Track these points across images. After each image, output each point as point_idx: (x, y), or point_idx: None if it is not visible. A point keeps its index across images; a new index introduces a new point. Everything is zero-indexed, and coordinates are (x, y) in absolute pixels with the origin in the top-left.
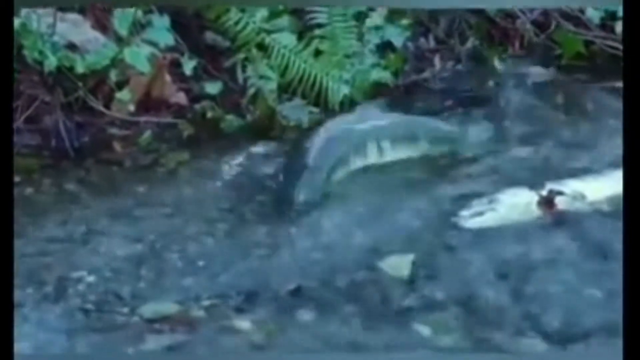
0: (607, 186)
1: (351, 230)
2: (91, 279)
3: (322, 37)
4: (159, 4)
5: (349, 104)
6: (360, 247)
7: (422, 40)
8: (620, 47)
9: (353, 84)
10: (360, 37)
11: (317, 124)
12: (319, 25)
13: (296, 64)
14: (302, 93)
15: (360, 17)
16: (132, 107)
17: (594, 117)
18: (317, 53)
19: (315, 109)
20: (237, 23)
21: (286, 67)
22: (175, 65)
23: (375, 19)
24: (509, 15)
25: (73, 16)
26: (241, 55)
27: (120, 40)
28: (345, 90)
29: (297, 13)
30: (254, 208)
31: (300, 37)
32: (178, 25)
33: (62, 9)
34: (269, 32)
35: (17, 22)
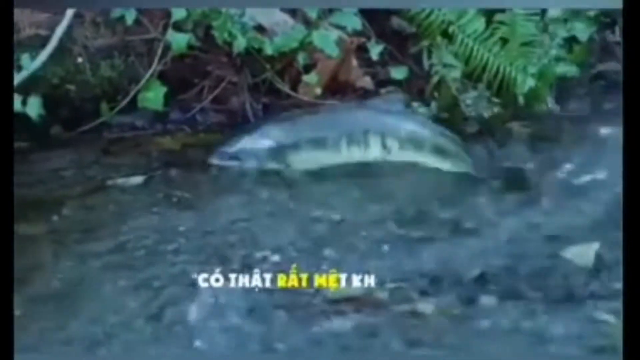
0: None
1: (536, 218)
2: (275, 258)
3: (502, 23)
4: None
5: (532, 97)
6: (545, 236)
7: (607, 32)
8: None
9: (540, 77)
10: (545, 29)
11: (498, 116)
12: (501, 10)
13: (479, 53)
14: (487, 83)
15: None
16: (318, 91)
17: None
18: (503, 42)
19: (497, 99)
20: (423, 9)
21: (470, 55)
22: (362, 50)
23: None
24: None
25: None
26: (426, 42)
27: (308, 24)
28: (531, 83)
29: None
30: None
31: (487, 23)
32: (365, 9)
33: None
34: (453, 20)
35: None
